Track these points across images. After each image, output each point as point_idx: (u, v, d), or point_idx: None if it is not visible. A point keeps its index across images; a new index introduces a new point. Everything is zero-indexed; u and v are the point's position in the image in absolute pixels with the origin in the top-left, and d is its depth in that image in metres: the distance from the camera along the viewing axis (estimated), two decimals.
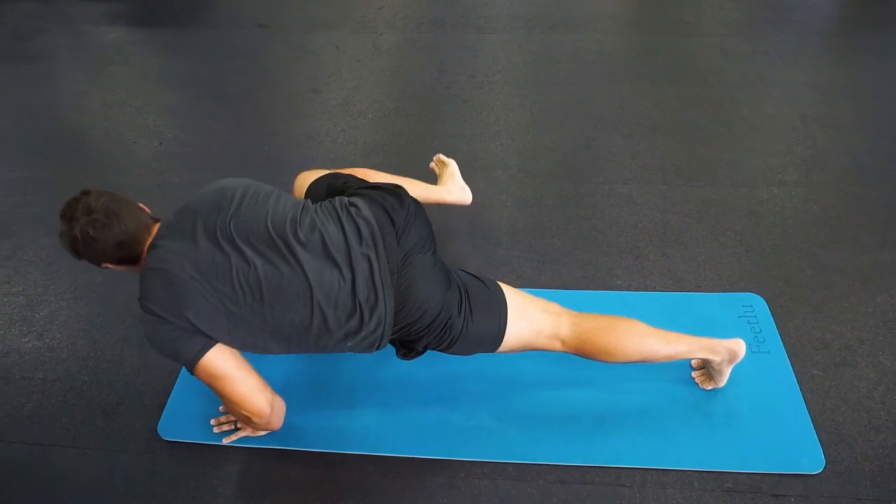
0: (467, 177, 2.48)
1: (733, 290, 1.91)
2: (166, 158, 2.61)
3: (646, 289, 1.94)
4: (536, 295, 1.81)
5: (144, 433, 1.62)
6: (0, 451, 1.61)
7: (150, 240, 1.35)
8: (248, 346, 1.35)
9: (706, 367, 1.63)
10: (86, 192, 1.34)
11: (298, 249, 1.28)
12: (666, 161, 2.46)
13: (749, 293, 1.89)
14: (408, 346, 1.46)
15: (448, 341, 1.41)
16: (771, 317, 1.81)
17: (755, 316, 1.81)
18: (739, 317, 1.81)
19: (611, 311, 1.79)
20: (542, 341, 1.48)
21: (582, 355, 1.50)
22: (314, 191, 1.58)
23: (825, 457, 1.50)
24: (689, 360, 1.69)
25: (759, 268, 1.99)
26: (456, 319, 1.39)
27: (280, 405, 1.45)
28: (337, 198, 1.43)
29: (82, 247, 1.32)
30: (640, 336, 1.48)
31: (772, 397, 1.61)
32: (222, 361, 1.32)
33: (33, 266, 2.14)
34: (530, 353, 1.72)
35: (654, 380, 1.66)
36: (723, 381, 1.61)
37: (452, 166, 2.01)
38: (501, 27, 3.48)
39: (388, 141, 2.65)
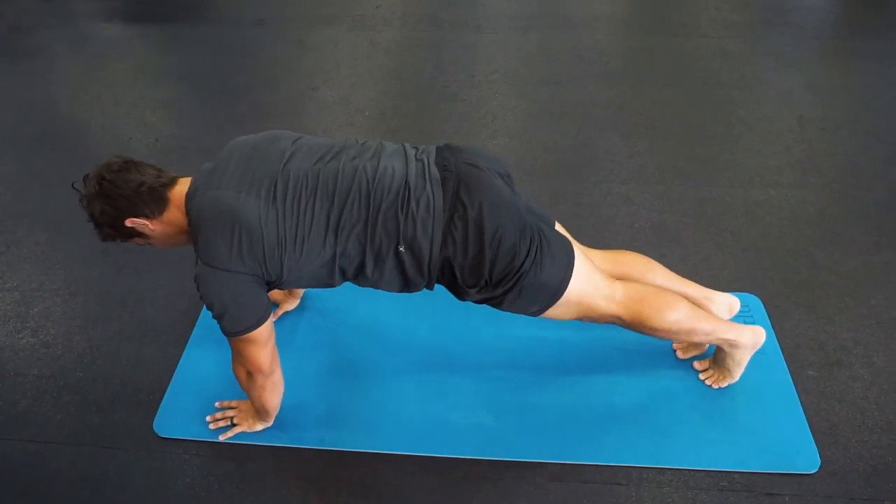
0: None
1: (730, 290, 1.90)
2: (163, 154, 2.60)
3: None
4: None
5: (140, 430, 1.62)
6: None
7: (181, 187, 1.33)
8: (304, 274, 1.33)
9: (723, 360, 1.62)
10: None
11: (355, 151, 1.34)
12: (663, 161, 2.47)
13: (745, 293, 1.89)
14: (464, 285, 1.34)
15: (512, 280, 1.31)
16: (767, 317, 1.82)
17: (752, 316, 1.82)
18: (736, 317, 1.81)
19: None
20: (600, 302, 1.43)
21: (631, 320, 1.46)
22: None
23: (820, 456, 1.51)
24: (691, 360, 1.70)
25: (755, 268, 2.00)
26: (523, 251, 1.30)
27: (279, 379, 1.48)
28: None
29: (100, 200, 1.28)
30: (688, 307, 1.50)
31: (767, 397, 1.62)
32: (266, 332, 1.35)
33: (27, 262, 2.13)
34: (528, 349, 1.72)
35: (651, 379, 1.67)
36: (739, 373, 1.62)
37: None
38: (500, 26, 3.48)
39: (385, 139, 2.65)
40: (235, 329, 1.31)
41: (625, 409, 1.61)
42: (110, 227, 1.33)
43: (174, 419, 1.62)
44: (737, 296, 1.86)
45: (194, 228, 1.30)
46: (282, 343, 1.76)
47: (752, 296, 1.89)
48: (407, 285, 1.38)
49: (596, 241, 2.10)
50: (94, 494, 1.50)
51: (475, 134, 2.65)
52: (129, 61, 3.29)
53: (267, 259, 1.26)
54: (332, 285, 1.40)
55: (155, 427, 1.61)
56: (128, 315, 1.91)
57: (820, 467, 1.49)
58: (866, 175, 2.37)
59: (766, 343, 1.73)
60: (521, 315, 1.45)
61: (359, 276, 1.37)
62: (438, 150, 1.39)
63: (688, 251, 2.07)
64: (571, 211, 2.24)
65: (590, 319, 1.49)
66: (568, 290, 1.37)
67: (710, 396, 1.62)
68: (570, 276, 1.37)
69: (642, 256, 1.66)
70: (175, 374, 1.73)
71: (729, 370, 1.62)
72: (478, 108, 2.82)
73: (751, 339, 1.55)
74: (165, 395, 1.68)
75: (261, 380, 1.43)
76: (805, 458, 1.50)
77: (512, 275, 1.31)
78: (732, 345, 1.56)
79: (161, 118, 2.82)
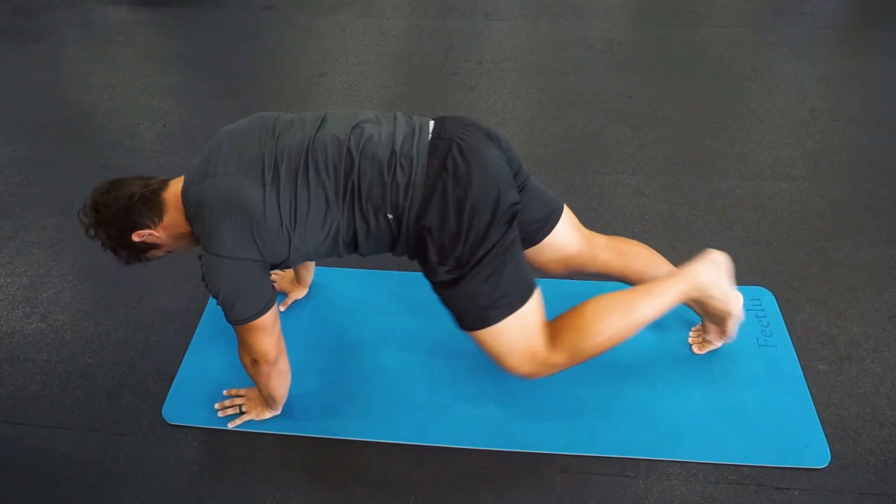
0: None
1: (740, 284, 1.88)
2: (170, 140, 2.59)
3: None
4: (539, 285, 1.78)
5: (149, 416, 1.62)
6: (4, 431, 1.61)
7: (174, 187, 1.33)
8: (299, 243, 1.29)
9: (706, 318, 1.61)
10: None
11: (340, 120, 1.31)
12: (674, 152, 2.45)
13: (757, 287, 1.88)
14: (435, 262, 1.28)
15: (474, 267, 1.26)
16: (779, 310, 1.81)
17: (763, 309, 1.80)
18: (748, 310, 1.79)
19: None
20: (515, 355, 1.35)
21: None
22: None
23: (830, 451, 1.50)
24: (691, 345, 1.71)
25: (766, 261, 1.99)
26: (493, 238, 1.25)
27: (285, 367, 1.47)
28: None
29: (102, 226, 1.30)
30: (610, 311, 1.38)
31: (777, 391, 1.61)
32: (271, 319, 1.33)
33: (36, 247, 2.12)
34: None
35: (660, 371, 1.66)
36: (726, 335, 1.60)
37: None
38: (509, 14, 3.44)
39: None
40: (241, 317, 1.30)
41: (633, 401, 1.60)
42: (122, 247, 1.34)
43: (182, 406, 1.62)
44: (748, 289, 1.86)
45: (193, 220, 1.28)
46: (289, 332, 1.76)
47: (764, 289, 1.87)
48: (392, 249, 1.36)
49: (606, 233, 2.08)
50: (102, 479, 1.51)
51: (484, 122, 2.61)
52: (136, 46, 3.27)
53: (271, 242, 1.25)
54: (337, 256, 1.39)
55: (164, 414, 1.61)
56: (136, 302, 1.91)
57: (830, 462, 1.48)
58: (879, 168, 2.34)
59: (777, 337, 1.73)
60: None
61: (355, 247, 1.35)
62: (441, 118, 1.36)
63: (698, 244, 2.05)
64: (581, 202, 2.23)
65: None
66: (504, 322, 1.29)
67: (720, 389, 1.62)
68: (522, 304, 1.30)
69: (648, 250, 1.63)
70: (183, 361, 1.73)
71: (710, 334, 1.63)
72: (486, 96, 2.79)
73: (714, 277, 1.44)
74: (174, 383, 1.68)
75: (266, 368, 1.42)
76: (815, 452, 1.49)
77: (476, 261, 1.25)
78: (707, 304, 1.51)
79: (168, 104, 2.81)
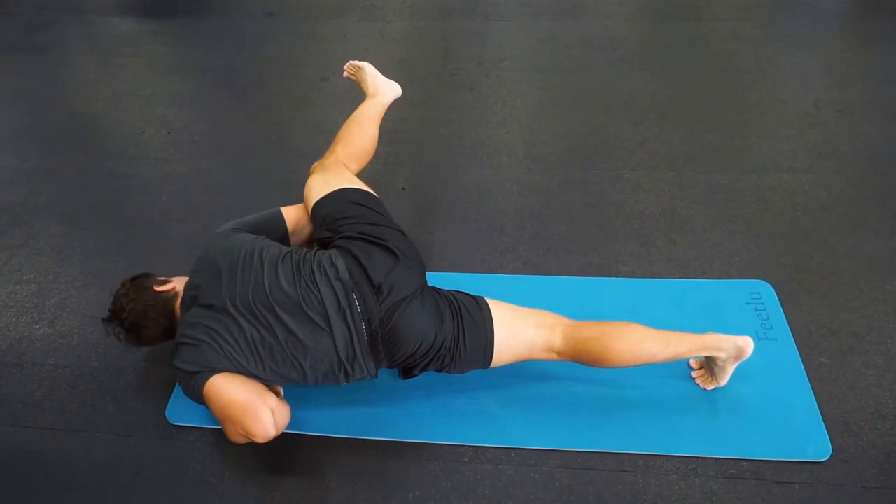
0: (472, 164, 2.47)
1: (741, 277, 1.89)
2: (175, 147, 2.62)
3: (652, 276, 1.93)
4: (540, 282, 1.81)
5: (153, 418, 1.65)
6: (13, 435, 1.65)
7: (176, 310, 1.57)
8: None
9: (708, 364, 1.58)
10: (116, 298, 1.61)
11: (284, 316, 1.41)
12: (674, 147, 2.44)
13: (757, 280, 1.87)
14: (405, 371, 1.56)
15: (439, 366, 1.50)
16: (779, 304, 1.79)
17: (763, 303, 1.79)
18: (747, 304, 1.79)
19: (616, 297, 1.82)
20: (538, 354, 1.51)
21: (581, 363, 1.51)
22: (316, 213, 1.66)
23: (831, 444, 1.49)
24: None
25: (767, 254, 1.97)
26: (447, 351, 1.47)
27: (283, 417, 1.45)
28: (318, 254, 1.51)
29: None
30: (637, 341, 1.47)
31: (779, 384, 1.60)
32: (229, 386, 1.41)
33: (44, 255, 2.17)
34: None
35: (658, 366, 1.64)
36: (725, 380, 1.57)
37: (368, 68, 2.05)
38: (509, 14, 3.45)
39: (395, 128, 2.65)
40: (198, 386, 1.39)
41: (632, 396, 1.60)
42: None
43: (186, 407, 1.64)
44: (748, 283, 1.86)
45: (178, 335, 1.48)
46: None
47: (763, 282, 1.86)
48: None
49: (605, 229, 2.10)
50: (108, 480, 1.54)
51: (484, 122, 2.64)
52: (142, 56, 3.32)
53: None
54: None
55: (167, 415, 1.64)
56: None
57: (831, 455, 1.47)
58: (883, 158, 2.32)
59: (777, 330, 1.72)
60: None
61: None
62: (361, 294, 1.43)
63: (698, 238, 2.04)
64: (581, 198, 2.23)
65: None
66: (497, 353, 1.49)
67: None
68: (493, 342, 1.48)
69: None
70: None
71: (714, 375, 1.58)
72: (486, 96, 2.80)
73: (732, 351, 1.49)
74: (177, 385, 1.70)
75: (272, 434, 1.40)
76: (816, 445, 1.48)
77: (441, 369, 1.52)
78: (711, 356, 1.53)
79: (173, 112, 2.85)
